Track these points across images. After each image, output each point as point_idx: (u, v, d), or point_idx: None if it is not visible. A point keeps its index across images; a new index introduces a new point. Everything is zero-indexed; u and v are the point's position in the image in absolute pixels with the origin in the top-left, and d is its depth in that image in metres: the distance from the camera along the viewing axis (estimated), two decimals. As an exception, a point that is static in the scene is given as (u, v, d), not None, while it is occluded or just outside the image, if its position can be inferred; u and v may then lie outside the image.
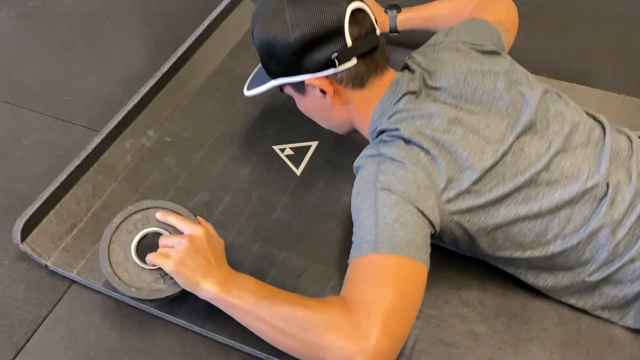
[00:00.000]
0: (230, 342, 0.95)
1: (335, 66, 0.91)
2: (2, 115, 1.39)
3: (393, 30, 1.28)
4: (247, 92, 1.11)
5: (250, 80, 1.12)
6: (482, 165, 0.87)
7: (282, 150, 1.28)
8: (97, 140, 1.20)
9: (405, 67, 1.01)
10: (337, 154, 1.26)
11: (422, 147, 0.88)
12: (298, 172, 1.23)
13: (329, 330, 0.75)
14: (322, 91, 0.96)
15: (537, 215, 0.88)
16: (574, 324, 0.95)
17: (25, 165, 1.27)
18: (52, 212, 1.09)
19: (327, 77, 0.94)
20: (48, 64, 1.54)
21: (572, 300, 0.96)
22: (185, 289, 0.89)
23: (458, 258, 1.03)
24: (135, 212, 0.98)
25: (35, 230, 1.07)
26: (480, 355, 0.93)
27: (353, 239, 0.85)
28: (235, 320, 0.85)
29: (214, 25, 1.54)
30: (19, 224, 1.04)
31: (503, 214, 0.88)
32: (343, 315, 0.76)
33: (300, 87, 0.98)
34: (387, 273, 0.79)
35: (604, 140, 0.94)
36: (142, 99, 1.31)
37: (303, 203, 1.17)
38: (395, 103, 0.94)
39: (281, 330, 0.79)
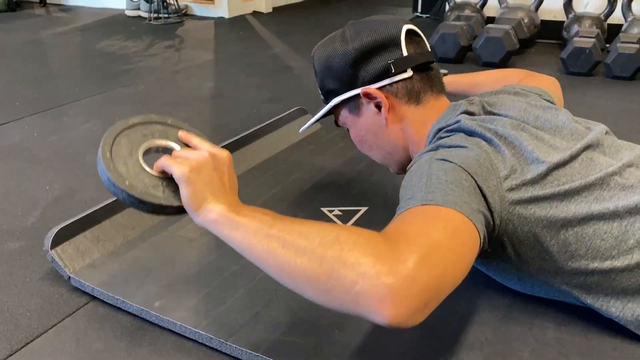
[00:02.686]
0: (252, 357, 0.80)
1: (390, 75, 0.93)
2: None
3: None
4: (302, 128, 1.12)
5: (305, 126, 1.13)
6: (549, 159, 0.80)
7: (331, 211, 1.23)
8: (149, 180, 1.21)
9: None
10: (387, 216, 1.19)
11: (484, 137, 0.82)
12: (346, 227, 1.16)
13: (357, 246, 0.60)
14: (377, 107, 0.96)
15: (614, 215, 0.76)
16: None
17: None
18: (88, 231, 1.06)
19: (382, 88, 0.95)
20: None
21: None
22: (185, 205, 0.73)
23: (525, 299, 0.89)
24: (157, 123, 0.84)
25: (67, 242, 1.02)
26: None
27: (397, 209, 0.74)
28: (257, 333, 0.72)
29: (278, 125, 1.64)
30: (53, 231, 1.01)
31: (573, 210, 0.77)
32: (378, 237, 0.63)
33: (355, 106, 0.99)
34: (438, 217, 0.67)
35: None
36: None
37: (349, 250, 1.07)
38: (454, 117, 0.92)
39: (296, 247, 0.63)
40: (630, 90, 2.19)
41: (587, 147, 0.84)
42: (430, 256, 0.60)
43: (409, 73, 0.94)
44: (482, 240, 0.71)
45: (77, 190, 1.37)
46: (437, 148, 0.83)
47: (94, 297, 0.96)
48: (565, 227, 0.77)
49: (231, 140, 1.48)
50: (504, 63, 2.50)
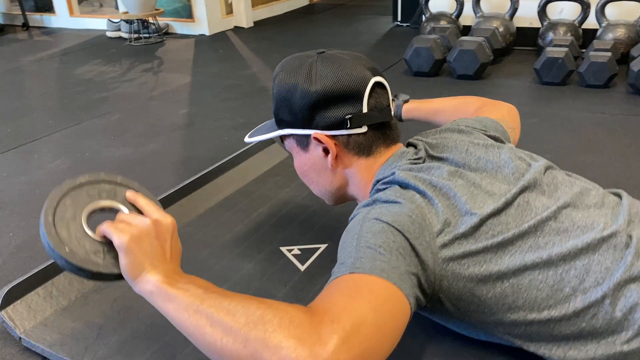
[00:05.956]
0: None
1: (345, 128, 0.91)
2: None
3: (397, 117, 1.30)
4: (247, 139, 1.09)
5: (254, 131, 1.09)
6: (482, 211, 0.79)
7: (290, 250, 1.22)
8: (105, 228, 1.21)
9: (409, 144, 1.01)
10: (346, 254, 1.19)
11: (417, 190, 0.82)
12: (302, 268, 1.16)
13: (281, 327, 0.61)
14: (325, 151, 0.94)
15: (548, 264, 0.76)
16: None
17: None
18: (41, 287, 1.05)
19: (333, 137, 0.93)
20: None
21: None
22: (124, 273, 0.74)
23: (470, 344, 0.88)
24: (106, 182, 0.83)
25: (18, 301, 1.02)
26: None
27: (332, 271, 0.75)
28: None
29: (244, 157, 1.64)
30: (3, 290, 1.00)
31: (507, 262, 0.77)
32: (303, 315, 0.63)
33: (304, 141, 0.96)
34: (364, 289, 0.67)
35: (621, 204, 0.86)
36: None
37: (304, 294, 1.07)
38: (391, 168, 0.92)
39: (223, 326, 0.64)
40: (603, 99, 2.19)
41: (524, 189, 0.84)
42: (352, 336, 0.60)
43: (364, 129, 0.92)
44: (412, 305, 0.71)
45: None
46: (373, 202, 0.83)
47: (45, 358, 0.96)
48: (501, 279, 0.77)
49: (196, 176, 1.47)
50: (478, 75, 2.49)
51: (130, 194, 0.83)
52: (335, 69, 0.90)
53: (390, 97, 0.96)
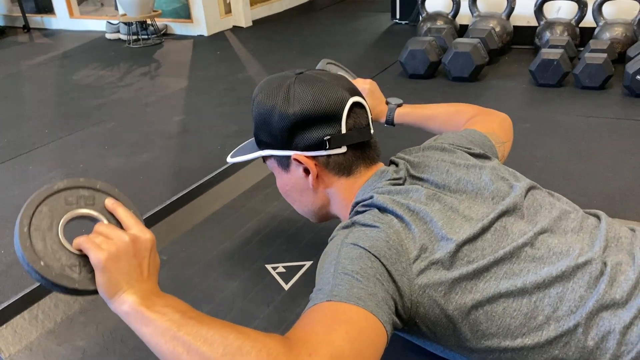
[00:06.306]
0: None
1: (324, 149, 0.91)
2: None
3: (389, 122, 1.30)
4: (230, 159, 1.09)
5: (236, 150, 1.09)
6: (458, 237, 0.80)
7: (275, 268, 1.23)
8: (92, 248, 1.22)
9: (391, 162, 1.01)
10: (330, 272, 1.20)
11: (395, 214, 0.83)
12: (286, 287, 1.17)
13: (258, 359, 0.62)
14: (306, 171, 0.95)
15: (523, 292, 0.77)
16: None
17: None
18: (27, 310, 1.07)
19: (313, 158, 0.93)
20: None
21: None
22: (99, 290, 0.74)
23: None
24: (85, 188, 0.81)
25: (4, 326, 1.04)
26: None
27: (310, 297, 0.76)
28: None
29: (234, 169, 1.64)
30: (-11, 317, 1.02)
31: (482, 289, 0.77)
32: (281, 347, 0.64)
33: (284, 161, 0.97)
34: (341, 319, 0.68)
35: (599, 227, 0.86)
36: (145, 219, 1.35)
37: (287, 315, 1.08)
38: (377, 185, 0.92)
39: (200, 355, 0.64)
40: (598, 102, 2.17)
41: (503, 214, 0.84)
42: None
43: (344, 149, 0.93)
44: (388, 332, 0.72)
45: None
46: (352, 224, 0.84)
47: (29, 382, 0.98)
48: (475, 307, 0.78)
49: (184, 192, 1.49)
50: (473, 77, 2.48)
51: (109, 203, 0.81)
52: (313, 91, 0.91)
53: (370, 117, 0.96)
